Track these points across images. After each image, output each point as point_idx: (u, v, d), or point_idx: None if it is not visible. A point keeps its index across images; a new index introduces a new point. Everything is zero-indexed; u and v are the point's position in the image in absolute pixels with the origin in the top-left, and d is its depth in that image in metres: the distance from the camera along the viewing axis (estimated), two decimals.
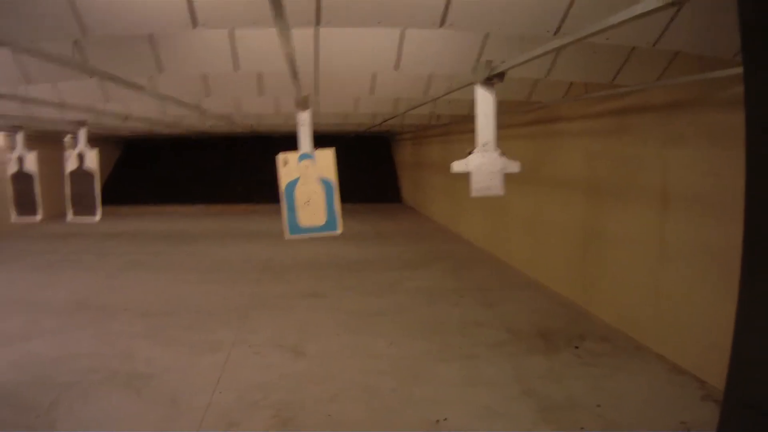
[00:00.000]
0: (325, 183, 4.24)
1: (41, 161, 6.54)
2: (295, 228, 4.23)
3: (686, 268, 5.91)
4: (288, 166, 4.23)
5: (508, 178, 4.15)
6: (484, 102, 4.22)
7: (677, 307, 6.04)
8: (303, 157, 4.26)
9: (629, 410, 5.09)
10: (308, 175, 4.22)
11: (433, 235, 15.22)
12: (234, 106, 8.93)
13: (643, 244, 6.62)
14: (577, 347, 6.62)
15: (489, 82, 4.23)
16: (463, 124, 12.39)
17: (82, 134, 6.40)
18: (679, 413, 4.93)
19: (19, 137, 7.06)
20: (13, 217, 7.31)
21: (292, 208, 4.17)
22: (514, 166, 4.14)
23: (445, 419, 5.05)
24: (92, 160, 6.13)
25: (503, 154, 4.18)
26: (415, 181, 20.54)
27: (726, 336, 1.79)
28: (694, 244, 5.77)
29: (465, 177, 4.16)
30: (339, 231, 4.33)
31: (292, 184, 4.21)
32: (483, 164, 4.05)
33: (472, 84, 4.38)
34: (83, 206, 6.06)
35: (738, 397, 1.70)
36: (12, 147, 7.19)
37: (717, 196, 5.42)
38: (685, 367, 5.81)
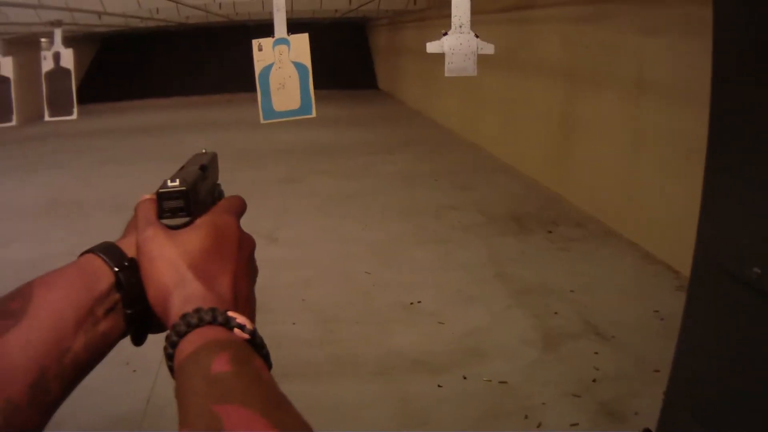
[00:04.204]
0: (300, 67, 4.14)
1: (17, 66, 6.38)
2: (269, 112, 4.15)
3: (661, 157, 5.88)
4: (263, 51, 4.12)
5: (484, 64, 4.06)
6: None
7: (651, 195, 6.04)
8: (278, 42, 4.15)
9: (602, 297, 5.14)
10: (283, 60, 4.13)
11: (408, 119, 15.10)
12: None
13: (618, 131, 6.57)
14: (550, 231, 6.65)
15: None
16: (439, 9, 12.11)
17: (58, 34, 6.23)
18: (653, 302, 4.94)
19: None
20: None
21: (266, 93, 4.08)
22: (488, 48, 4.04)
23: (419, 302, 5.10)
24: (68, 59, 6.00)
25: (477, 35, 4.08)
26: (390, 68, 20.24)
27: None
28: (668, 134, 5.72)
29: (440, 62, 4.07)
30: (313, 114, 4.26)
31: (267, 69, 4.12)
32: (457, 45, 3.95)
33: None
34: (60, 105, 5.94)
35: (708, 260, 1.70)
36: None
37: (692, 88, 5.32)
38: (659, 256, 5.84)
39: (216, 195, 0.91)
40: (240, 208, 0.86)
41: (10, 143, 13.08)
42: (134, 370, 4.09)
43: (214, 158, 0.95)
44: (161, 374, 4.02)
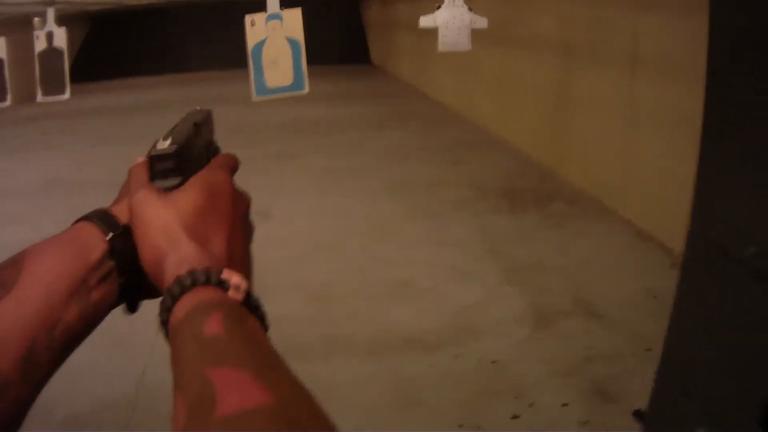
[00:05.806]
0: (293, 43, 4.09)
1: (10, 46, 6.34)
2: (262, 89, 4.10)
3: (656, 133, 5.83)
4: (255, 27, 4.07)
5: (478, 38, 4.02)
6: None
7: (646, 171, 6.01)
8: (270, 17, 4.10)
9: (596, 274, 5.12)
10: (275, 36, 4.08)
11: (402, 94, 15.02)
12: None
13: (613, 107, 6.53)
14: (544, 208, 6.62)
15: None
16: None
17: (50, 13, 6.17)
18: (647, 280, 4.91)
19: None
20: None
21: (259, 69, 4.03)
22: (482, 22, 4.00)
23: (411, 279, 5.08)
24: (61, 38, 5.95)
25: (471, 9, 4.04)
26: (384, 42, 20.12)
27: None
28: (664, 110, 5.68)
29: (434, 37, 4.03)
30: (306, 90, 4.21)
31: (259, 45, 4.07)
32: (450, 19, 3.91)
33: None
34: (53, 85, 5.89)
35: (702, 238, 1.68)
36: None
37: (687, 64, 5.28)
38: (653, 233, 5.80)
39: (211, 153, 0.90)
40: (232, 163, 0.86)
41: (5, 124, 12.98)
42: (126, 352, 4.07)
43: (208, 115, 0.95)
44: (154, 355, 4.00)
